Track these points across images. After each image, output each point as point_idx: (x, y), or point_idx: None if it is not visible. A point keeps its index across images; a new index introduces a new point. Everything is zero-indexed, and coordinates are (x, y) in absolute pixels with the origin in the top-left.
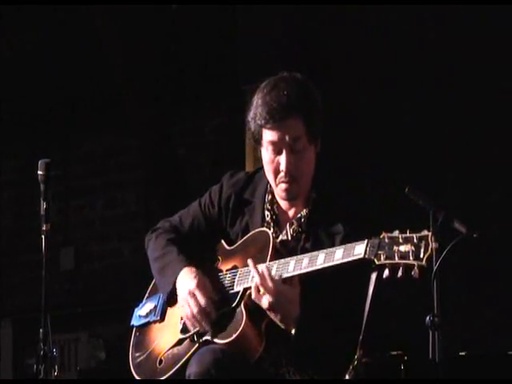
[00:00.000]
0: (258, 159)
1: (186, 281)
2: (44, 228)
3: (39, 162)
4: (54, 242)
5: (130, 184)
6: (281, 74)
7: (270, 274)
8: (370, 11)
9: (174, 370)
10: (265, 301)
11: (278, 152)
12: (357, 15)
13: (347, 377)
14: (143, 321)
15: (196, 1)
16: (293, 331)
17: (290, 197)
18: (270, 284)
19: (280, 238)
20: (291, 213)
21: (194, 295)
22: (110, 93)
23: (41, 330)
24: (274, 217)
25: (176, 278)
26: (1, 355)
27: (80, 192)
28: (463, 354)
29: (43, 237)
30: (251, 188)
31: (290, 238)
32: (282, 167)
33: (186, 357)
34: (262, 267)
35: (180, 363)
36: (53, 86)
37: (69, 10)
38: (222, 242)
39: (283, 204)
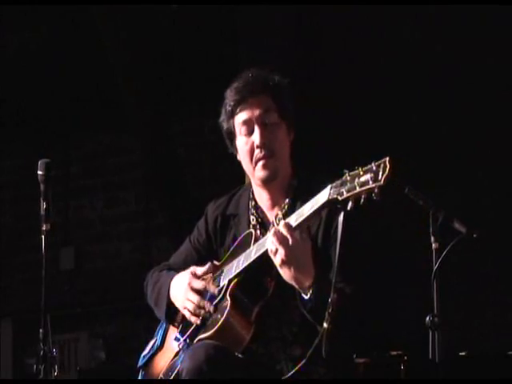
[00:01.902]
0: None
1: (179, 282)
2: (44, 228)
3: (39, 162)
4: (53, 242)
5: (129, 184)
6: None
7: (287, 223)
8: (370, 11)
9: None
10: (281, 251)
11: (251, 131)
12: (357, 15)
13: (326, 315)
14: (146, 357)
15: (196, 1)
16: (309, 291)
17: (270, 175)
18: (286, 231)
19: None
20: (274, 211)
21: (191, 288)
22: (110, 93)
23: (41, 330)
24: (259, 220)
25: (169, 288)
26: (1, 355)
27: (80, 192)
28: (463, 353)
29: (43, 237)
30: (234, 203)
31: None
32: (257, 142)
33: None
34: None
35: (177, 369)
36: (53, 85)
37: (69, 10)
38: (214, 262)
39: (265, 205)
